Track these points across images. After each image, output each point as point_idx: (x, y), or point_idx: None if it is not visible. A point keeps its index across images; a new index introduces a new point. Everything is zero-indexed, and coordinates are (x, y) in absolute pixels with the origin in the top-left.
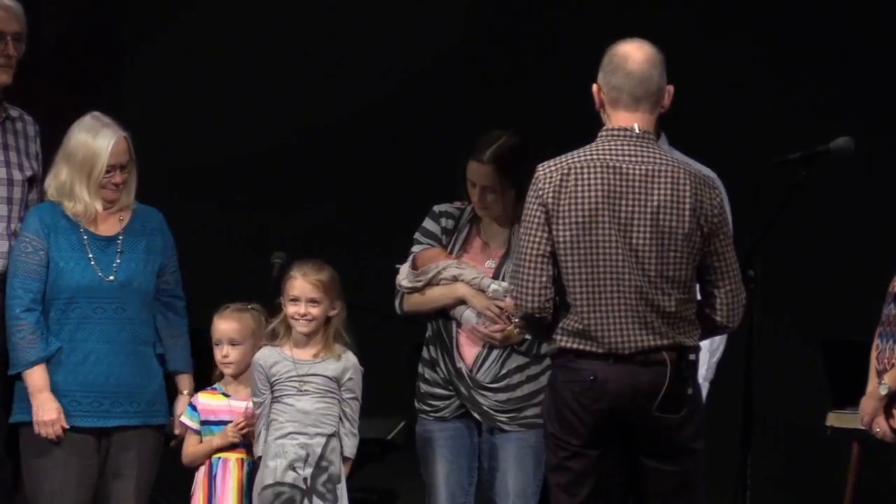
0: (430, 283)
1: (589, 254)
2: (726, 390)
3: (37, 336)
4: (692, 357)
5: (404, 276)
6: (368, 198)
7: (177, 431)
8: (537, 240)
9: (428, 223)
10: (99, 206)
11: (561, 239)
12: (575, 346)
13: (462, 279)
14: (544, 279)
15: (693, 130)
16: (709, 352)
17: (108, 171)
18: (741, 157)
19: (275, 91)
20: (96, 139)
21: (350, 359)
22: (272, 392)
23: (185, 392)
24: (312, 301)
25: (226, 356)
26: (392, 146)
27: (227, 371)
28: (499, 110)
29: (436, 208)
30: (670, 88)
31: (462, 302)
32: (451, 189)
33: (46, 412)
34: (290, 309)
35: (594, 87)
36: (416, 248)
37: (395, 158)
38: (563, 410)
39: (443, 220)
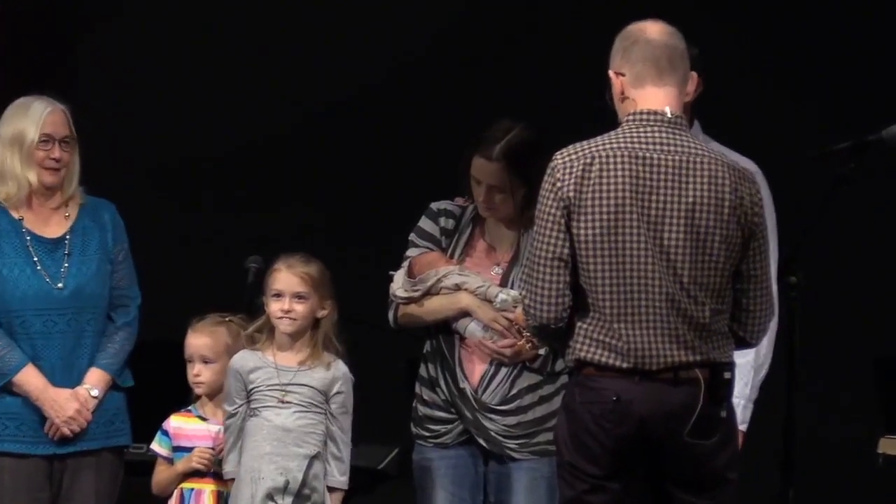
0: (428, 293)
1: (614, 256)
2: (765, 413)
3: (5, 342)
4: (727, 375)
5: (399, 284)
6: (358, 195)
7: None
8: (554, 240)
9: (425, 223)
10: (33, 177)
11: (583, 238)
12: (597, 357)
13: (465, 287)
14: (561, 286)
15: (723, 119)
16: (752, 367)
17: (43, 142)
18: (778, 149)
19: (253, 77)
20: (28, 111)
21: (340, 368)
22: (249, 402)
23: (86, 386)
24: (298, 296)
25: (197, 375)
26: (385, 138)
27: (199, 391)
28: (504, 98)
29: (433, 206)
30: (694, 75)
31: (466, 313)
32: (451, 184)
33: (64, 409)
34: (273, 306)
35: (610, 74)
36: (411, 252)
37: (388, 152)
38: (582, 435)
39: (442, 220)
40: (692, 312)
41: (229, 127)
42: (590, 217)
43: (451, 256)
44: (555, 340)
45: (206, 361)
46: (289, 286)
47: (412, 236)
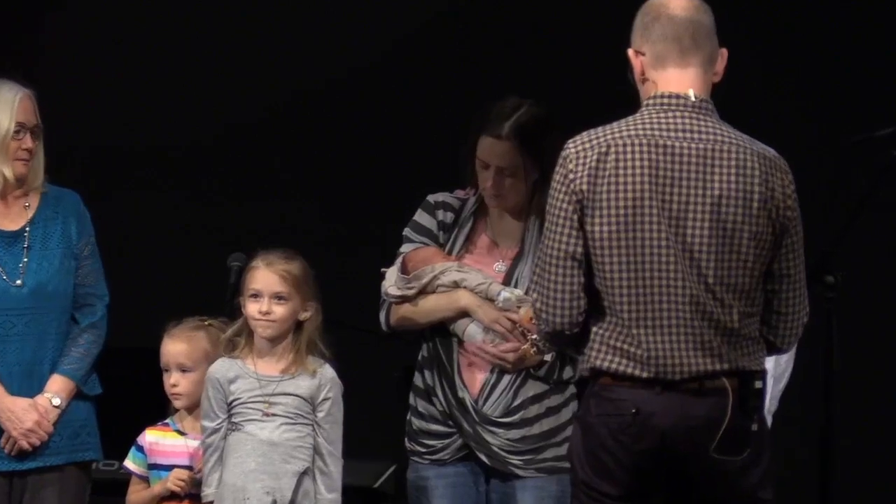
0: (424, 291)
1: (632, 254)
2: (800, 425)
3: None
4: (758, 385)
5: (392, 282)
6: (349, 187)
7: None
8: (566, 238)
9: (421, 216)
10: (9, 171)
11: (597, 235)
12: (613, 365)
13: (465, 286)
14: (575, 287)
15: (746, 104)
16: (772, 376)
17: (16, 132)
18: (812, 136)
19: (235, 57)
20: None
21: (327, 373)
22: (230, 416)
23: (47, 394)
24: (278, 297)
25: (174, 385)
26: (378, 125)
27: (177, 403)
28: (508, 83)
29: (430, 198)
30: (724, 51)
31: (465, 314)
32: (450, 175)
33: (22, 420)
34: (250, 307)
35: (629, 52)
36: (406, 248)
37: (382, 139)
38: (598, 451)
39: (440, 213)
40: (719, 316)
41: (207, 111)
42: (605, 212)
43: (450, 252)
44: (570, 347)
45: (183, 370)
46: (267, 286)
47: (407, 231)
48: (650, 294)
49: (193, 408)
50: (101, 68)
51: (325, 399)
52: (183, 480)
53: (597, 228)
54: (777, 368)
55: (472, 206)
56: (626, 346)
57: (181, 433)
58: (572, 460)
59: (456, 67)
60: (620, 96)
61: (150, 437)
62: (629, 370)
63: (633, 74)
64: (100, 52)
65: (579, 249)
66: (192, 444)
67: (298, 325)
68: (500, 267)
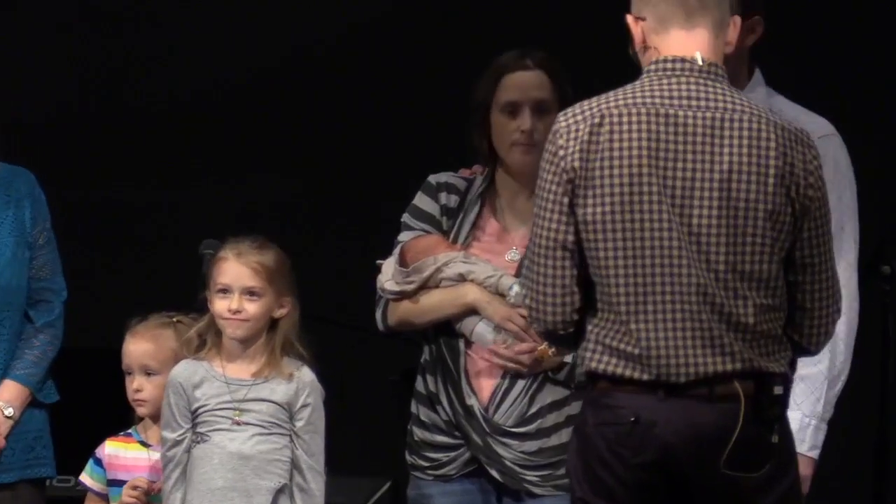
0: (425, 286)
1: (629, 240)
2: (850, 434)
3: None
4: (777, 390)
5: (389, 276)
6: (338, 165)
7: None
8: (556, 224)
9: (421, 200)
10: None
11: (590, 219)
12: (610, 368)
13: (472, 279)
14: (567, 280)
15: (801, 73)
16: (826, 379)
17: None
18: (870, 110)
19: (209, 15)
20: None
21: (305, 376)
22: (195, 426)
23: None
24: (250, 292)
25: (138, 390)
26: (372, 96)
27: (141, 411)
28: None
29: (432, 179)
30: (736, 19)
31: (473, 311)
32: (453, 154)
33: None
34: (219, 304)
35: (628, 19)
36: (404, 236)
37: (377, 114)
38: (595, 466)
39: (443, 196)
40: (730, 308)
41: (170, 81)
42: (598, 192)
43: (455, 240)
44: (566, 348)
45: (148, 373)
46: (238, 279)
47: (405, 217)
48: (650, 285)
49: (158, 416)
50: (54, 42)
51: (303, 405)
52: (139, 487)
53: (589, 210)
54: (832, 370)
55: (480, 187)
56: (623, 346)
57: (145, 445)
58: (570, 475)
59: (459, 30)
60: (620, 78)
61: (110, 449)
62: (627, 372)
63: (634, 45)
64: (51, 25)
65: (570, 237)
66: (157, 456)
67: (273, 323)
68: (512, 256)
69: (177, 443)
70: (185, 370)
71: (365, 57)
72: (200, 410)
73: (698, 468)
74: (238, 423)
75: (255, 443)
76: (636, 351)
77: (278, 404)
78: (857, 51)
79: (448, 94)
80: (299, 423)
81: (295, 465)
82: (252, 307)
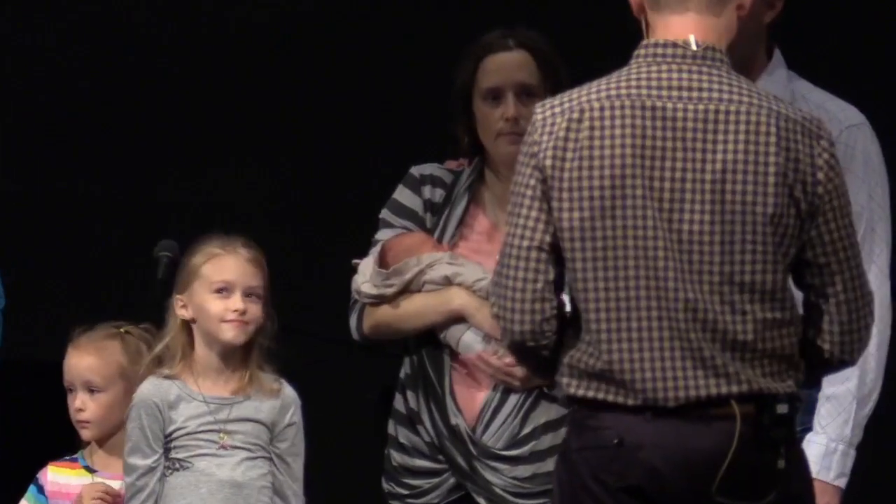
0: (407, 289)
1: (609, 248)
2: (881, 460)
3: None
4: (782, 408)
5: (366, 277)
6: (308, 155)
7: None
8: (532, 223)
9: (402, 194)
10: None
11: (566, 225)
12: (591, 392)
13: (460, 282)
14: (539, 286)
15: (826, 56)
16: (855, 398)
17: None
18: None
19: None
20: None
21: (289, 392)
22: (169, 451)
23: None
24: (251, 294)
25: (81, 410)
26: (347, 76)
27: (84, 433)
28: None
29: (415, 171)
30: None
31: (460, 318)
32: (437, 144)
33: None
34: (215, 305)
35: None
36: (383, 234)
37: (351, 95)
38: (579, 493)
39: (426, 190)
40: (726, 325)
41: (134, 59)
42: (575, 196)
43: (440, 239)
44: (534, 365)
45: (91, 390)
46: (241, 277)
47: (385, 213)
48: (633, 299)
49: (106, 438)
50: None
51: (288, 425)
52: (104, 493)
53: (565, 216)
54: (861, 388)
55: (468, 180)
56: (603, 368)
57: (90, 470)
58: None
59: (447, 10)
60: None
61: (53, 475)
62: (609, 397)
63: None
64: None
65: (547, 238)
66: (105, 482)
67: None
68: None
69: (150, 470)
70: (156, 389)
71: (327, 44)
72: (177, 434)
73: (689, 496)
74: (224, 447)
75: (246, 468)
76: (619, 375)
77: (263, 424)
78: (891, 31)
79: (433, 78)
80: (283, 445)
81: (278, 492)
82: (254, 308)
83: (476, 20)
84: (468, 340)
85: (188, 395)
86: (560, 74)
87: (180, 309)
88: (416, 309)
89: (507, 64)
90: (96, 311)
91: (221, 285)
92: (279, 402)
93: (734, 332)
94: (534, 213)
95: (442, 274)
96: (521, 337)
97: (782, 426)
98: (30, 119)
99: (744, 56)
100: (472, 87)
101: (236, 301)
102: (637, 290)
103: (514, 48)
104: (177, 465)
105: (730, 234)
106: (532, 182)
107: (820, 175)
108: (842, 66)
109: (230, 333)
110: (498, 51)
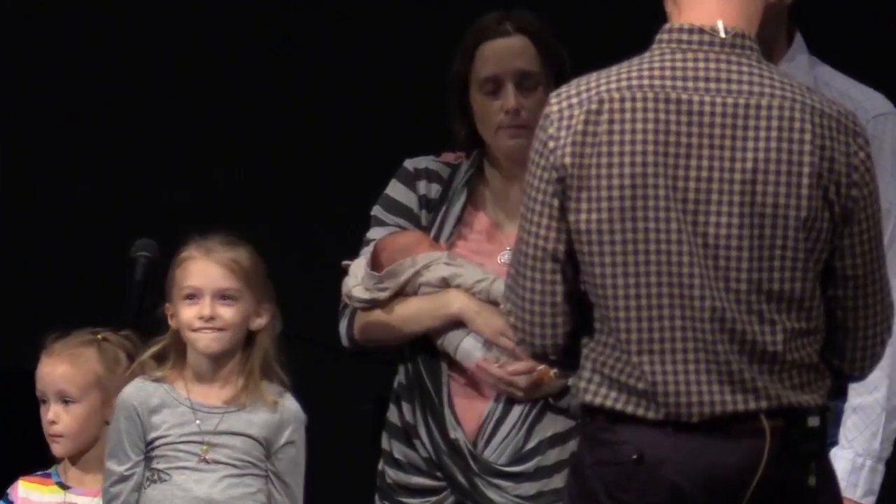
0: (402, 292)
1: (631, 252)
2: None
3: None
4: (813, 421)
5: (358, 280)
6: (295, 150)
7: None
8: (544, 230)
9: (396, 190)
10: None
11: (584, 227)
12: (609, 402)
13: (458, 284)
14: (558, 298)
15: (851, 41)
16: (884, 410)
17: None
18: None
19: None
20: None
21: (290, 407)
22: (149, 460)
23: None
24: (223, 296)
25: (53, 422)
26: (337, 67)
27: (56, 448)
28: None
29: (409, 164)
30: None
31: (459, 324)
32: (434, 136)
33: None
34: (186, 312)
35: None
36: (375, 233)
37: (342, 86)
38: None
39: (421, 185)
40: (755, 336)
41: (113, 55)
42: (594, 196)
43: (436, 238)
44: (565, 370)
45: (65, 400)
46: (209, 280)
47: (376, 209)
48: (656, 308)
49: (81, 453)
50: None
51: (287, 443)
52: None
53: (583, 217)
54: (891, 399)
55: (466, 175)
56: (624, 378)
57: (63, 486)
58: None
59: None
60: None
61: (24, 491)
62: (630, 409)
63: None
64: None
65: (562, 247)
66: (77, 500)
67: (249, 337)
68: (506, 257)
69: (124, 478)
70: (139, 391)
71: (314, 34)
72: (158, 442)
73: None
74: (206, 461)
75: (226, 486)
76: (641, 385)
77: (255, 439)
78: None
79: (429, 68)
80: (281, 464)
81: None
82: (227, 313)
83: (472, 4)
84: (467, 347)
85: (174, 400)
86: (562, 60)
87: (170, 318)
88: (412, 313)
89: (505, 51)
90: (69, 316)
91: (190, 291)
92: (277, 416)
93: (763, 344)
94: (545, 220)
95: (439, 275)
96: (543, 350)
97: (813, 440)
98: (21, 121)
99: (764, 40)
100: (469, 77)
101: (203, 307)
102: (660, 298)
103: (512, 33)
104: (155, 477)
105: (759, 239)
106: (544, 185)
107: (856, 176)
108: (867, 49)
109: (201, 343)
110: (495, 37)
